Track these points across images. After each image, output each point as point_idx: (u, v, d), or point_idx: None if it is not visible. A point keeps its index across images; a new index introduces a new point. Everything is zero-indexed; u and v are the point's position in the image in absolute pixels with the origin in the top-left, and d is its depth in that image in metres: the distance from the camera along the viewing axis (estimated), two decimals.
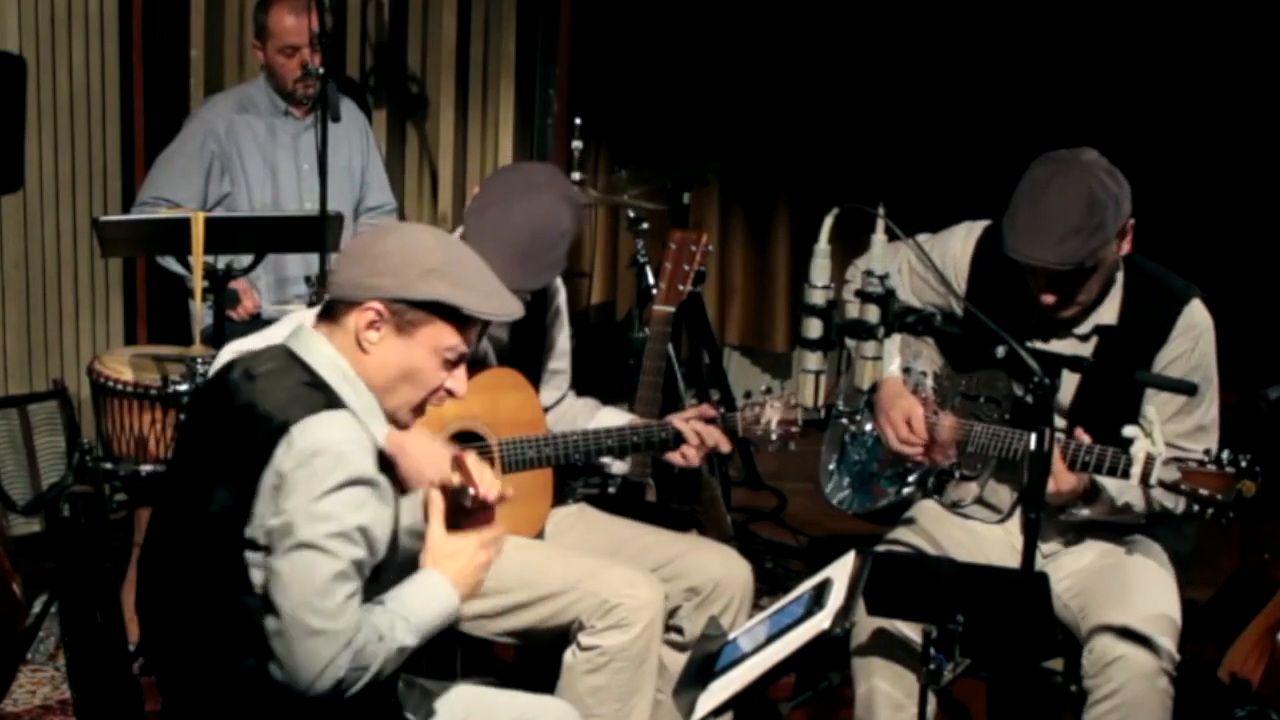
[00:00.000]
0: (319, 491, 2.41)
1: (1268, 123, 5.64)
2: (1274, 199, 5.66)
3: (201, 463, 2.54)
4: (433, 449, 2.89)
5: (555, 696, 2.94)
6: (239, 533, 2.44)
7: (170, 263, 4.45)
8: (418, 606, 2.53)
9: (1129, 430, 3.08)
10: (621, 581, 3.20)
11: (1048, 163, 3.24)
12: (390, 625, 2.48)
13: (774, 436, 3.47)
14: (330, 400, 2.49)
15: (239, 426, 2.49)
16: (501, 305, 2.59)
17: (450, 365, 2.56)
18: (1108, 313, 3.33)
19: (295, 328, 2.61)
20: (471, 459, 2.67)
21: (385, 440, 2.55)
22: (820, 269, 2.70)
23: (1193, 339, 3.31)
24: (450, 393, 2.58)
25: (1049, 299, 3.25)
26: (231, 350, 3.16)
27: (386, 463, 2.54)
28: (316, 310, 2.62)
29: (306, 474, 2.41)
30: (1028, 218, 3.18)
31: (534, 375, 3.49)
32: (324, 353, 2.54)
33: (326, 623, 2.40)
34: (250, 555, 2.45)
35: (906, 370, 3.56)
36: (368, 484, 2.45)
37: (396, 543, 2.59)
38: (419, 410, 2.60)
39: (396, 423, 2.59)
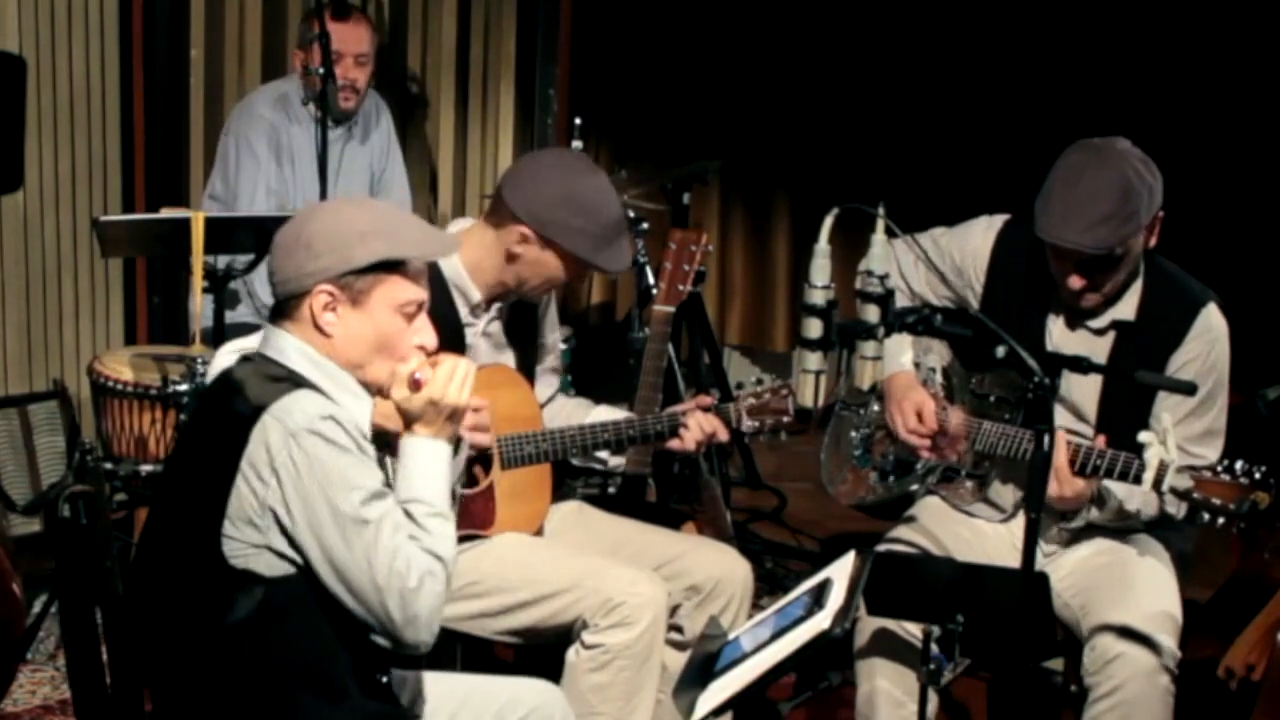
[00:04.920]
0: (326, 467, 2.44)
1: (1268, 122, 5.64)
2: (1273, 198, 5.66)
3: (188, 465, 2.58)
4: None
5: (543, 681, 2.95)
6: (217, 526, 2.46)
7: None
8: (430, 487, 2.55)
9: (1143, 436, 3.08)
10: (624, 580, 3.20)
11: (1083, 149, 3.25)
12: (435, 544, 2.50)
13: (753, 424, 3.49)
14: (296, 384, 2.51)
15: (216, 423, 2.52)
16: (440, 244, 2.68)
17: (412, 318, 2.59)
18: (1126, 308, 3.34)
19: (264, 334, 2.62)
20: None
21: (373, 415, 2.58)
22: (820, 269, 2.70)
23: (1208, 343, 3.31)
24: (422, 347, 2.60)
25: (1076, 283, 3.25)
26: (227, 351, 3.18)
27: (376, 435, 2.58)
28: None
29: (301, 456, 2.43)
30: (1062, 201, 3.19)
31: (529, 372, 3.49)
32: (289, 344, 2.56)
33: (407, 584, 2.45)
34: (233, 546, 2.46)
35: (916, 365, 3.56)
36: (359, 451, 2.48)
37: None
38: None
39: (383, 392, 2.60)
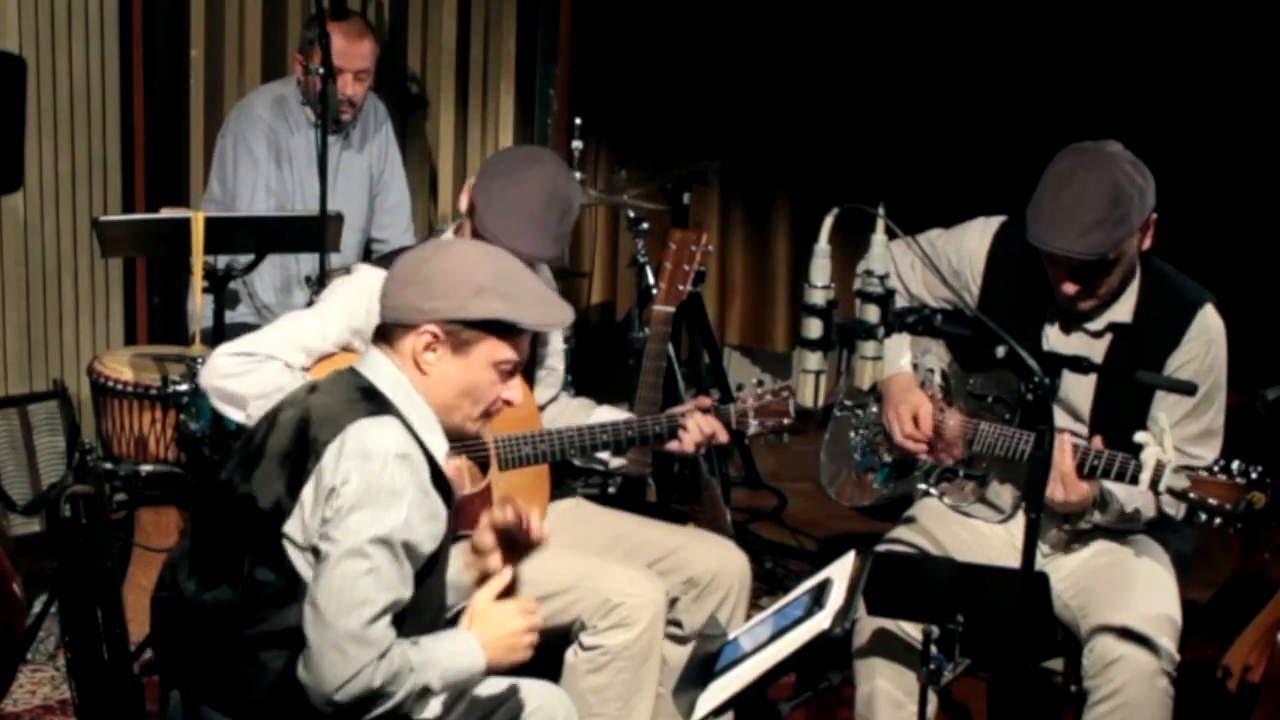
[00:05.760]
0: (368, 497, 2.45)
1: (1265, 123, 5.64)
2: (1273, 197, 5.66)
3: (257, 466, 2.57)
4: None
5: (545, 681, 2.95)
6: (279, 527, 2.49)
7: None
8: (446, 658, 2.55)
9: (1140, 436, 3.08)
10: (623, 580, 3.20)
11: (1073, 154, 3.25)
12: (422, 663, 2.51)
13: (757, 425, 3.49)
14: (384, 407, 2.53)
15: (295, 431, 2.54)
16: (553, 314, 2.66)
17: (507, 376, 2.61)
18: (1123, 310, 3.34)
19: (365, 353, 2.64)
20: (520, 503, 2.77)
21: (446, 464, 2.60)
22: (820, 269, 2.70)
23: (1205, 344, 3.31)
24: (508, 402, 2.64)
25: (1070, 289, 3.25)
26: (223, 353, 3.18)
27: (442, 480, 2.58)
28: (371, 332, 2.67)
29: (358, 478, 2.45)
30: (1052, 207, 3.19)
31: (528, 372, 3.50)
32: (386, 370, 2.58)
33: (362, 631, 2.42)
34: (292, 551, 2.49)
35: (914, 366, 3.56)
36: (416, 494, 2.49)
37: (436, 581, 2.63)
38: (485, 418, 2.65)
39: (463, 435, 2.65)
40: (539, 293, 2.64)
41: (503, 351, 2.58)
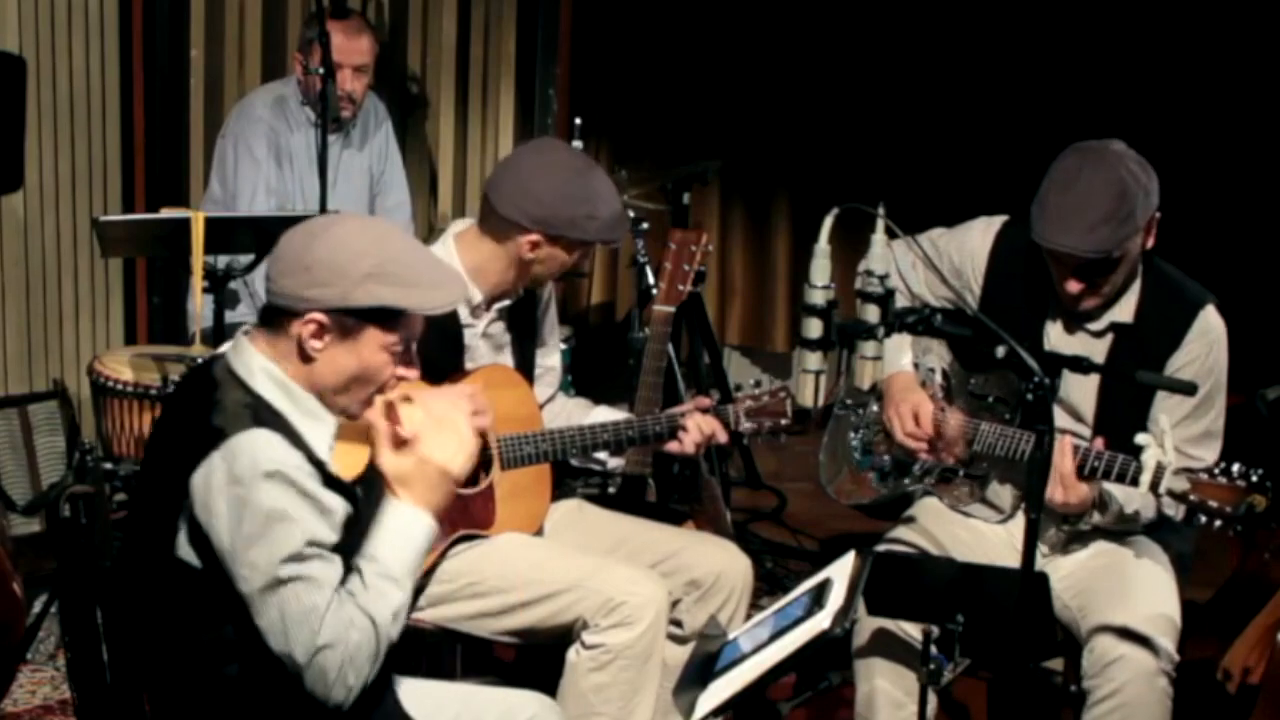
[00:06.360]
0: (251, 522, 2.40)
1: (1267, 123, 5.65)
2: (1273, 197, 5.66)
3: (154, 477, 2.55)
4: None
5: (538, 692, 2.94)
6: (172, 548, 2.45)
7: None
8: (392, 553, 2.50)
9: (1141, 438, 3.08)
10: (625, 579, 3.20)
11: (1077, 152, 3.25)
12: (369, 601, 2.46)
13: (751, 425, 3.50)
14: (258, 417, 2.46)
15: (178, 444, 2.49)
16: (444, 294, 2.55)
17: (400, 356, 2.54)
18: (1124, 310, 3.34)
19: (234, 338, 2.58)
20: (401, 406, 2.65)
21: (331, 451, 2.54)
22: (820, 269, 2.70)
23: (1206, 345, 3.31)
24: (401, 378, 2.57)
25: (1074, 287, 3.25)
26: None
27: (329, 476, 2.51)
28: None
29: (236, 502, 2.40)
30: (1058, 205, 3.19)
31: (528, 372, 3.50)
32: (256, 363, 2.51)
33: (317, 640, 2.41)
34: (192, 566, 2.46)
35: (915, 366, 3.56)
36: (296, 503, 2.42)
37: (357, 542, 2.56)
38: (370, 402, 2.57)
39: (348, 415, 2.58)
40: (431, 273, 2.55)
41: (391, 335, 2.51)
